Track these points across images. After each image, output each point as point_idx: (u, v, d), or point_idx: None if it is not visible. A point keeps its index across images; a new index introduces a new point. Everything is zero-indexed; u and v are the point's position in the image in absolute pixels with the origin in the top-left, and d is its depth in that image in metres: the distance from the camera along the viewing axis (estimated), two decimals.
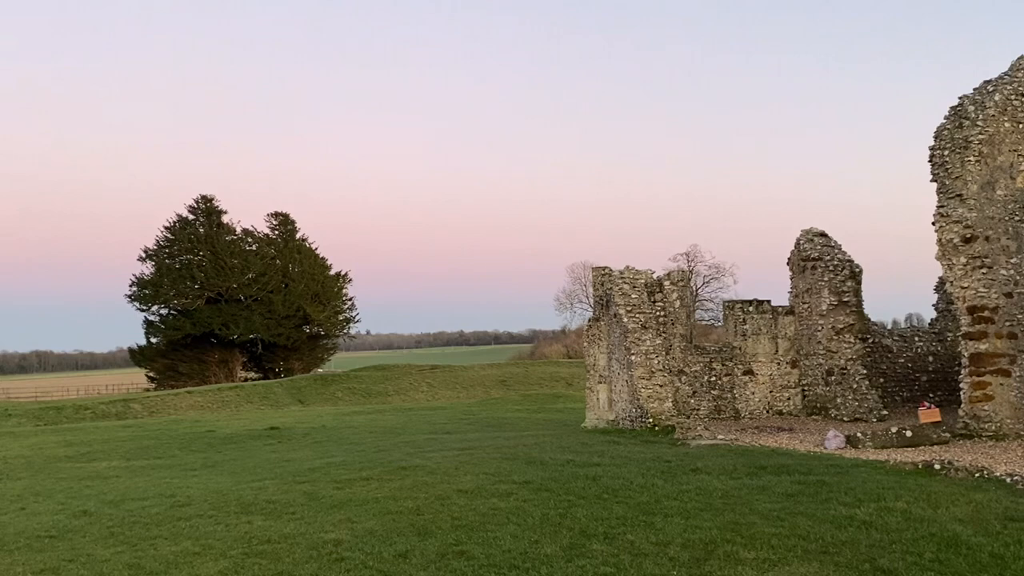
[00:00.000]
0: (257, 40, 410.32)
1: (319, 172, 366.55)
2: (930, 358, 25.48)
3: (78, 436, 30.29)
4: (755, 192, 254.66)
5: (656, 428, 21.22)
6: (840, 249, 24.68)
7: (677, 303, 25.51)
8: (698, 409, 24.84)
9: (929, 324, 27.38)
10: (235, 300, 78.70)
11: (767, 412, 25.22)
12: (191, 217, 79.77)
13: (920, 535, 8.88)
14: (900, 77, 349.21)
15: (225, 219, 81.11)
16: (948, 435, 17.94)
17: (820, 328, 24.38)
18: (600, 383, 25.80)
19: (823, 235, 25.14)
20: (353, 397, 62.29)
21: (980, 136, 18.87)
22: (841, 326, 23.87)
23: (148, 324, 79.45)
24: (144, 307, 78.63)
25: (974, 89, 19.66)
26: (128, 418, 48.91)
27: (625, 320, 23.72)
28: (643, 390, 22.48)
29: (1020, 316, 18.44)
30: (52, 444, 27.26)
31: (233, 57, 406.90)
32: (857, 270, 24.29)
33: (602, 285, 26.33)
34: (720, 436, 19.40)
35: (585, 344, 27.07)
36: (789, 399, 25.47)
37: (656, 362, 22.96)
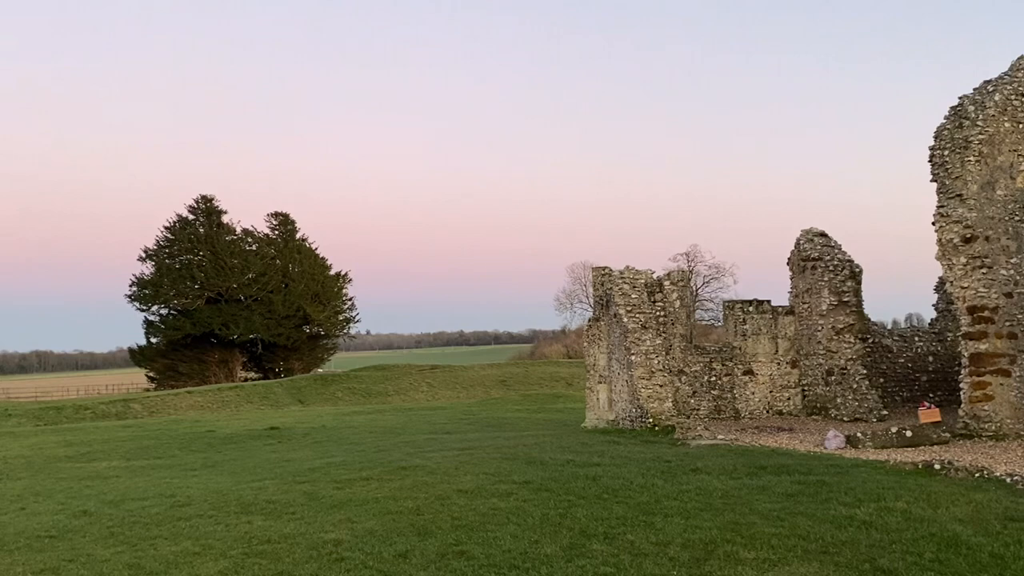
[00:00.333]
0: (257, 40, 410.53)
1: (319, 172, 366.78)
2: (930, 358, 25.47)
3: (78, 436, 30.28)
4: (755, 192, 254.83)
5: (656, 428, 21.21)
6: (840, 249, 24.67)
7: (677, 303, 25.51)
8: (698, 409, 24.84)
9: (929, 324, 27.37)
10: (235, 300, 78.71)
11: (767, 412, 25.22)
12: (191, 217, 79.80)
13: (920, 535, 8.88)
14: (900, 77, 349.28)
15: (225, 219, 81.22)
16: (948, 435, 17.94)
17: (820, 328, 24.38)
18: (600, 383, 25.79)
19: (823, 235, 25.14)
20: (353, 397, 62.28)
21: (980, 136, 18.87)
22: (841, 326, 23.86)
23: (148, 324, 79.48)
24: (144, 307, 78.66)
25: (974, 89, 19.66)
26: (128, 418, 48.91)
27: (625, 320, 23.71)
28: (643, 390, 22.47)
29: (1020, 316, 18.43)
30: (52, 444, 27.26)
31: (233, 57, 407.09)
32: (857, 270, 24.29)
33: (602, 285, 26.32)
34: (720, 436, 19.40)
35: (585, 344, 27.07)
36: (789, 399, 25.46)
37: (656, 362, 22.96)
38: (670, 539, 9.31)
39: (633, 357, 22.93)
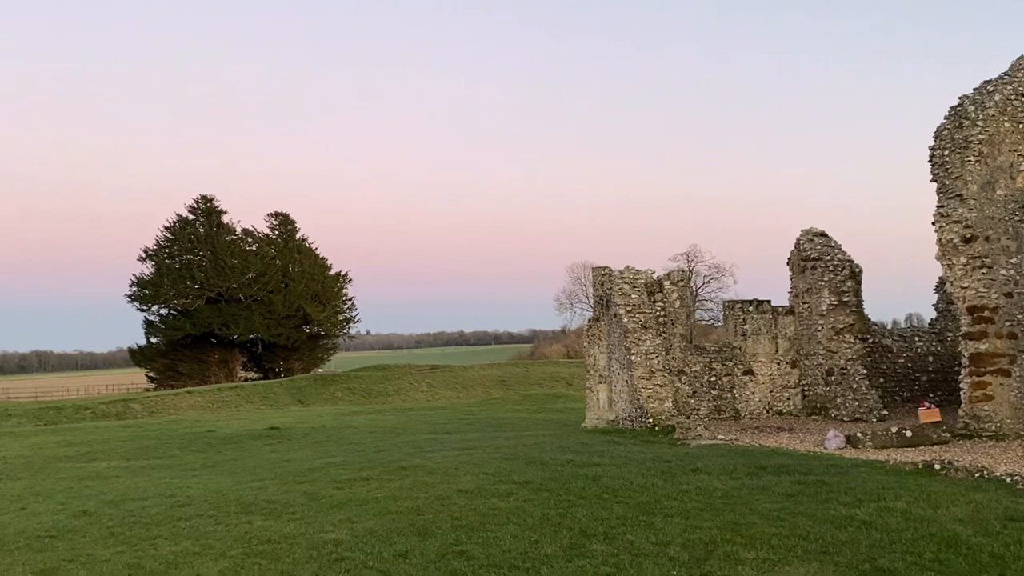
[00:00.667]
0: (257, 40, 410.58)
1: (319, 172, 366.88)
2: (930, 358, 25.46)
3: (78, 436, 30.28)
4: (755, 192, 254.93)
5: (656, 428, 21.21)
6: (840, 249, 24.66)
7: (677, 303, 25.50)
8: (698, 409, 24.83)
9: (929, 324, 27.36)
10: (235, 300, 78.69)
11: (767, 412, 25.22)
12: (191, 217, 79.77)
13: (920, 535, 8.88)
14: (900, 77, 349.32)
15: (225, 219, 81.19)
16: (948, 435, 17.93)
17: (820, 328, 24.37)
18: (600, 383, 25.79)
19: (823, 235, 25.13)
20: (353, 397, 62.26)
21: (980, 136, 18.87)
22: (841, 326, 23.85)
23: (148, 324, 79.46)
24: (144, 307, 78.64)
25: (974, 89, 19.65)
26: (128, 418, 48.91)
27: (625, 320, 23.71)
28: (643, 390, 22.46)
29: (1020, 316, 18.43)
30: (52, 444, 27.25)
31: (233, 57, 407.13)
32: (857, 270, 24.28)
33: (602, 285, 26.32)
34: (720, 436, 19.39)
35: (585, 344, 27.06)
36: (789, 399, 25.46)
37: (656, 362, 22.95)
38: (670, 539, 9.31)
39: (633, 357, 22.92)
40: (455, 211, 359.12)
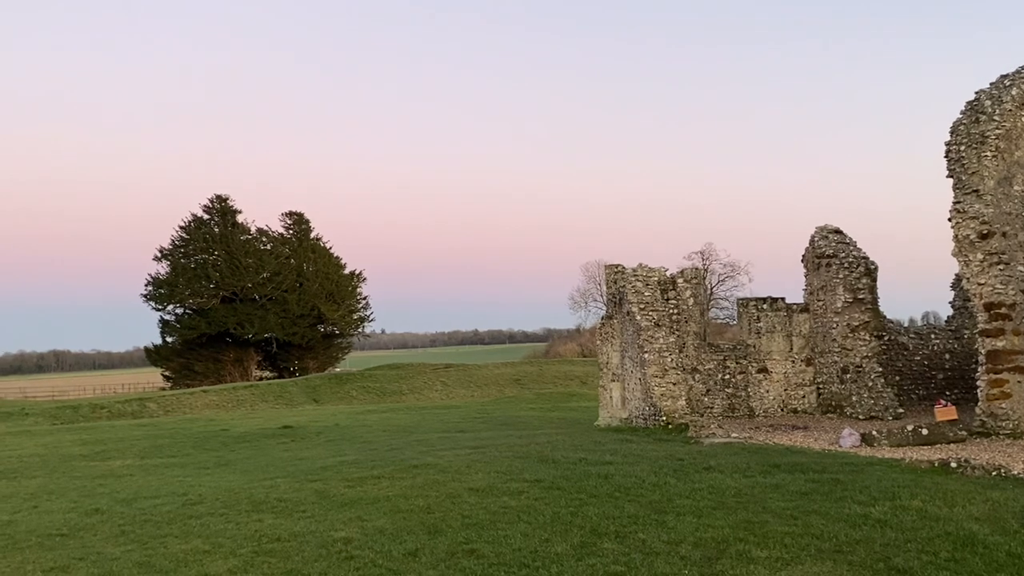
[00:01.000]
0: (273, 38, 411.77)
1: (334, 171, 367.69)
2: (947, 356, 25.21)
3: (93, 435, 30.42)
4: (771, 190, 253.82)
5: (669, 426, 21.10)
6: (855, 246, 24.46)
7: (691, 301, 25.38)
8: (712, 407, 24.69)
9: (946, 321, 27.10)
10: (250, 299, 78.93)
11: (782, 410, 25.05)
12: (206, 217, 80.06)
13: (936, 534, 8.75)
14: (919, 73, 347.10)
15: (240, 219, 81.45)
16: (965, 433, 17.73)
17: (835, 326, 24.18)
18: (613, 381, 25.69)
19: (838, 232, 24.93)
20: (368, 396, 62.31)
21: (997, 131, 18.67)
22: (856, 324, 23.66)
23: (164, 324, 79.80)
24: (159, 307, 78.93)
25: (991, 84, 19.44)
26: (144, 417, 49.13)
27: (638, 318, 23.59)
28: (656, 388, 22.35)
29: None
30: (67, 443, 27.38)
31: (248, 56, 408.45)
32: (872, 267, 24.07)
33: (615, 283, 26.22)
34: (734, 434, 19.26)
35: (598, 342, 26.97)
36: (804, 397, 25.28)
37: (669, 360, 22.83)
38: (682, 538, 9.22)
39: (646, 355, 22.81)
40: (470, 210, 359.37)
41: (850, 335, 23.75)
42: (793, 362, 25.36)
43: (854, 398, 23.41)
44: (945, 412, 19.40)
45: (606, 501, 11.39)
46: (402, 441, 22.37)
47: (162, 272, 78.66)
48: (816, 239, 25.15)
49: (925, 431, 17.27)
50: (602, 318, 27.27)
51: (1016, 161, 18.68)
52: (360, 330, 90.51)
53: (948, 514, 9.65)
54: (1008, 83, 19.02)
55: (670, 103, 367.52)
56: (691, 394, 24.35)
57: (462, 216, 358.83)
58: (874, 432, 17.44)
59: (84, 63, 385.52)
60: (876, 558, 8.04)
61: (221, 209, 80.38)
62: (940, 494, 10.78)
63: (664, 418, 21.57)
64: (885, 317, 25.14)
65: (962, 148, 19.03)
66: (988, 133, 18.69)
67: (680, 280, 25.43)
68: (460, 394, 62.92)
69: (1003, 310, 18.38)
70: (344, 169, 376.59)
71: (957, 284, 25.21)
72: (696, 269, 26.70)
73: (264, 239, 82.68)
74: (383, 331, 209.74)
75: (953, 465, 13.11)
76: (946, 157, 19.44)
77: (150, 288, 78.43)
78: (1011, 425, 17.99)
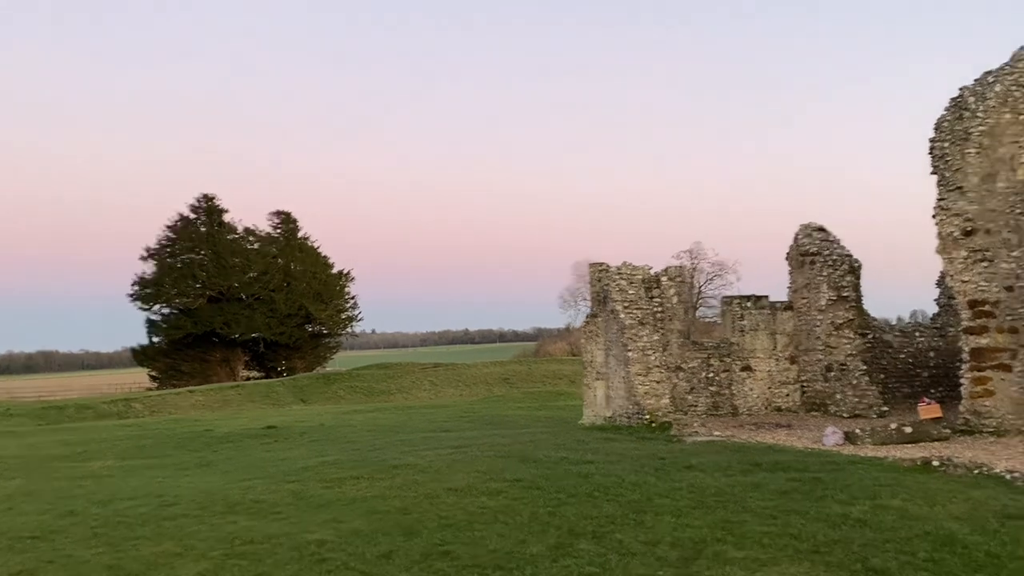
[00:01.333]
0: (260, 38, 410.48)
1: (323, 171, 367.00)
2: (931, 353, 25.19)
3: (76, 436, 30.17)
4: (759, 188, 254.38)
5: (653, 425, 21.00)
6: (839, 244, 24.43)
7: (674, 299, 25.30)
8: (696, 405, 24.61)
9: (931, 319, 27.10)
10: (237, 299, 78.58)
11: (765, 408, 24.99)
12: (193, 216, 79.65)
13: (915, 533, 8.65)
14: (903, 70, 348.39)
15: (227, 218, 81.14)
16: (949, 431, 17.69)
17: (819, 324, 24.13)
18: (598, 380, 25.58)
19: (822, 230, 24.89)
20: (355, 396, 62.12)
21: (981, 128, 18.62)
22: (840, 321, 23.62)
23: (150, 323, 79.38)
24: (146, 306, 78.51)
25: (975, 80, 19.39)
26: (129, 417, 48.84)
27: (622, 316, 23.49)
28: (640, 386, 22.26)
29: (1021, 310, 18.19)
30: (49, 444, 27.15)
31: (235, 55, 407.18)
32: (856, 265, 24.04)
33: (599, 281, 26.11)
34: (716, 433, 19.16)
35: (583, 341, 26.86)
36: (788, 395, 25.22)
37: (653, 358, 22.74)
38: (659, 538, 9.10)
39: (630, 353, 22.71)
40: (461, 210, 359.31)
41: (834, 333, 23.70)
42: (777, 360, 25.30)
43: (838, 396, 23.36)
44: (929, 410, 19.35)
45: (585, 501, 11.26)
46: (385, 441, 22.21)
47: (149, 272, 78.29)
48: (800, 237, 25.10)
49: (909, 429, 17.21)
50: (587, 317, 27.16)
51: (999, 158, 18.63)
52: (348, 330, 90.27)
53: (928, 513, 9.55)
54: (992, 80, 18.96)
55: (663, 101, 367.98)
56: (675, 392, 24.25)
57: (454, 216, 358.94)
58: (857, 430, 17.38)
59: (69, 61, 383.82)
60: (854, 558, 7.94)
61: (208, 208, 79.99)
62: (921, 493, 10.69)
63: (647, 416, 21.47)
64: (869, 315, 25.11)
65: (946, 145, 18.98)
66: (972, 130, 18.65)
67: (664, 278, 25.33)
68: (448, 393, 62.77)
69: (987, 307, 18.34)
70: (334, 169, 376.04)
71: (942, 281, 25.20)
72: (680, 267, 26.60)
73: (251, 238, 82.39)
74: (373, 331, 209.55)
75: (935, 464, 13.02)
76: (930, 154, 19.39)
77: (137, 288, 78.01)
78: (994, 423, 17.95)
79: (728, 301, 26.45)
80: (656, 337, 23.40)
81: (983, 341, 18.33)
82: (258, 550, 9.68)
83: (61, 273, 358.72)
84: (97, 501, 13.97)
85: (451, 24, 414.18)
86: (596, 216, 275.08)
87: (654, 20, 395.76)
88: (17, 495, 15.50)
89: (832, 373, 23.78)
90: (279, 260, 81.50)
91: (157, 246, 78.55)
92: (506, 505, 11.21)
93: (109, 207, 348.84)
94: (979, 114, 18.60)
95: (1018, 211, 18.40)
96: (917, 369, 25.17)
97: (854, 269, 23.97)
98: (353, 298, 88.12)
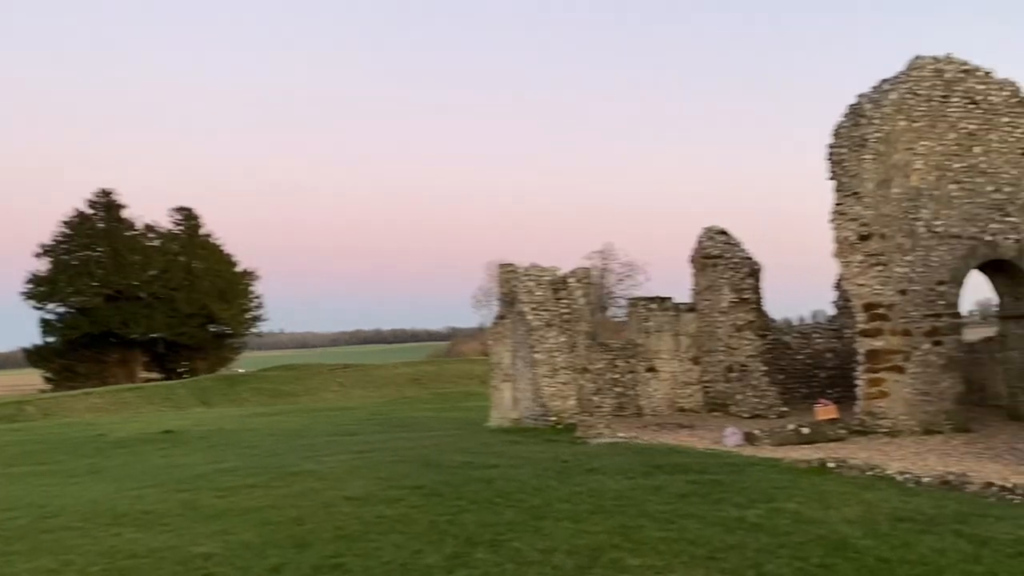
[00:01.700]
0: (160, 30, 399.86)
1: (228, 169, 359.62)
2: (828, 355, 25.80)
3: None
4: (670, 190, 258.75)
5: (559, 427, 20.99)
6: (740, 247, 24.85)
7: (582, 300, 25.34)
8: (601, 407, 24.69)
9: (828, 321, 27.77)
10: (136, 298, 76.26)
11: (669, 409, 25.23)
12: (90, 211, 77.02)
13: (809, 538, 8.69)
14: (804, 76, 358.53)
15: (126, 213, 78.73)
16: (845, 432, 18.09)
17: (721, 325, 24.49)
18: (505, 381, 25.48)
19: (724, 233, 25.27)
20: (260, 398, 60.89)
21: (876, 134, 19.09)
22: (741, 323, 24.01)
23: (44, 323, 76.49)
24: (40, 305, 75.68)
25: (872, 88, 19.90)
26: (20, 421, 46.89)
27: (529, 318, 23.44)
28: (546, 388, 22.24)
29: (914, 313, 18.72)
30: None
31: (133, 49, 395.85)
32: (757, 268, 24.48)
33: (508, 282, 25.99)
34: (621, 434, 19.20)
35: (490, 342, 26.73)
36: (691, 396, 25.52)
37: (560, 360, 22.75)
38: (556, 545, 8.95)
39: (537, 355, 22.68)
40: (375, 208, 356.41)
41: (735, 334, 24.08)
42: (680, 361, 25.58)
43: (739, 397, 23.73)
44: (826, 411, 19.76)
45: (485, 507, 11.06)
46: (287, 446, 21.69)
47: (43, 269, 75.43)
48: (703, 240, 25.44)
49: (806, 430, 17.53)
50: (495, 318, 27.03)
51: (894, 164, 19.14)
52: (253, 330, 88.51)
53: (822, 516, 9.63)
54: (888, 88, 19.47)
55: (574, 102, 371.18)
56: (581, 393, 24.28)
57: (368, 214, 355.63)
58: (757, 431, 17.64)
59: None
60: (748, 564, 7.92)
61: (106, 204, 77.53)
62: (816, 495, 10.80)
63: (554, 418, 21.46)
64: (769, 316, 25.60)
65: (843, 151, 19.41)
66: (868, 136, 19.10)
67: (571, 280, 25.36)
68: (357, 395, 61.97)
69: (881, 310, 18.81)
70: (239, 167, 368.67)
71: (839, 285, 25.82)
72: (587, 269, 26.67)
73: (151, 235, 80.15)
74: (281, 331, 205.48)
75: (831, 465, 13.22)
76: (828, 159, 19.81)
77: (31, 286, 75.08)
78: (888, 424, 18.42)
79: (634, 302, 26.66)
80: (563, 339, 23.41)
81: (878, 343, 18.79)
82: (141, 565, 9.22)
83: None
84: None
85: (363, 17, 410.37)
86: (511, 215, 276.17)
87: (565, 19, 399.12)
88: None
89: (733, 374, 24.15)
90: (181, 258, 79.45)
91: (52, 242, 75.80)
92: (404, 513, 10.94)
93: (1, 203, 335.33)
94: (875, 121, 19.07)
95: (911, 216, 18.94)
96: (815, 370, 25.75)
97: (755, 272, 24.41)
98: (258, 297, 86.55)
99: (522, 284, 24.27)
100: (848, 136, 19.36)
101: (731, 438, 17.44)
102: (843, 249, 19.17)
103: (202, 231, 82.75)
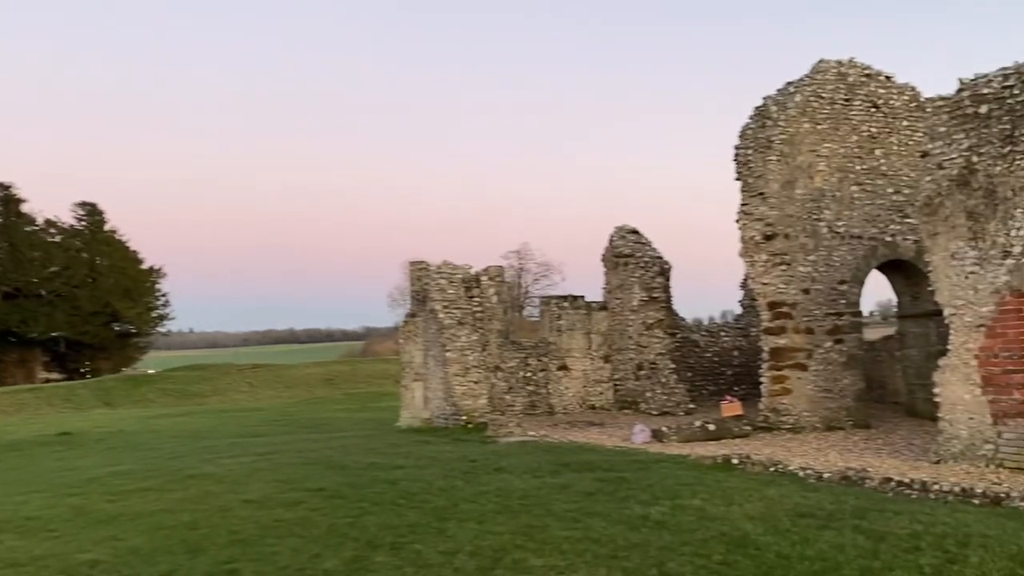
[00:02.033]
0: (51, 27, 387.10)
1: (136, 165, 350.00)
2: (735, 352, 26.22)
3: None
4: (587, 190, 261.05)
5: (469, 426, 20.85)
6: (651, 246, 25.09)
7: (494, 298, 25.24)
8: (513, 405, 24.64)
9: (735, 319, 28.23)
10: (35, 295, 73.43)
11: (580, 407, 25.33)
12: None
13: (711, 535, 8.68)
14: (715, 81, 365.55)
15: (25, 208, 75.70)
16: (749, 428, 18.34)
17: (631, 323, 24.68)
18: (416, 380, 25.21)
19: (635, 232, 25.49)
20: (166, 399, 59.23)
21: (781, 136, 19.39)
22: (651, 321, 24.23)
23: None
24: None
25: (777, 90, 20.22)
26: None
27: (441, 316, 23.24)
28: (458, 387, 22.06)
29: (817, 312, 19.08)
30: None
31: (28, 43, 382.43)
32: (667, 267, 24.75)
33: (419, 280, 25.73)
34: (531, 433, 19.15)
35: (401, 341, 26.43)
36: (602, 394, 25.65)
37: (472, 358, 22.59)
38: (459, 547, 8.77)
39: (448, 354, 22.49)
40: (289, 206, 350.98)
41: (645, 332, 24.29)
42: (592, 359, 25.70)
43: (648, 394, 23.94)
44: (731, 408, 20.02)
45: (388, 509, 10.81)
46: (188, 448, 21.07)
47: None
48: (615, 239, 25.61)
49: (712, 427, 17.72)
50: (405, 316, 26.73)
51: (798, 166, 19.47)
52: (159, 329, 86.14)
53: (725, 513, 9.64)
54: (793, 90, 19.80)
55: (496, 101, 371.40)
56: (493, 392, 24.19)
57: (283, 213, 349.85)
58: (664, 428, 17.75)
59: None
60: (650, 563, 7.86)
61: (4, 198, 74.51)
62: (720, 492, 10.84)
63: (464, 417, 21.30)
64: (678, 315, 25.90)
65: (749, 152, 19.68)
66: (773, 138, 19.40)
67: (484, 278, 25.24)
68: (267, 395, 60.74)
69: (785, 309, 19.13)
70: (146, 163, 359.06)
71: (745, 284, 26.26)
72: (500, 267, 26.55)
73: (53, 230, 77.21)
74: (191, 330, 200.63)
75: (735, 461, 13.33)
76: (735, 160, 20.06)
77: None
78: (791, 420, 18.73)
79: (546, 301, 26.69)
80: (475, 337, 23.27)
81: (781, 341, 19.11)
82: (21, 573, 8.73)
83: None
84: None
85: (270, 13, 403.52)
86: (429, 215, 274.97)
87: (480, 19, 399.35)
88: None
89: (643, 372, 24.35)
90: (83, 254, 76.81)
91: None
92: (304, 517, 10.62)
93: None
94: (780, 123, 19.38)
95: (814, 217, 19.29)
96: (722, 368, 26.16)
97: (664, 271, 24.67)
98: (165, 295, 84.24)
99: (434, 282, 24.05)
100: (754, 137, 19.64)
101: (639, 435, 17.51)
102: (749, 248, 19.44)
103: (107, 227, 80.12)
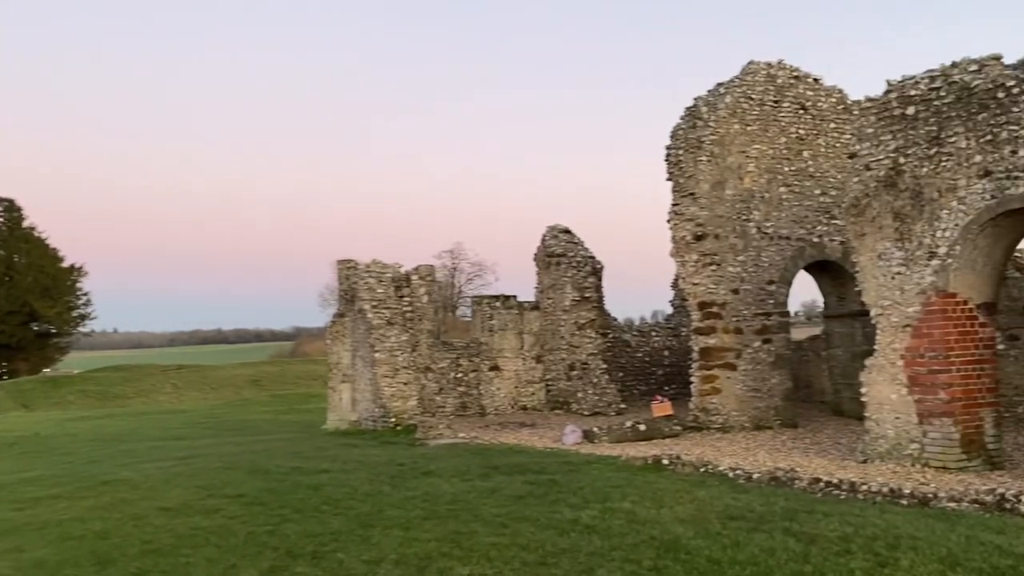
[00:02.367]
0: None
1: (56, 158, 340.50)
2: (666, 352, 26.30)
3: None
4: (519, 190, 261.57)
5: (398, 428, 20.48)
6: (583, 246, 25.03)
7: (425, 298, 24.88)
8: (444, 407, 24.32)
9: (666, 319, 28.32)
10: None
11: (512, 408, 25.14)
12: None
13: (641, 539, 8.51)
14: (646, 82, 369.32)
15: None
16: (680, 428, 18.32)
17: (563, 323, 24.57)
18: (344, 382, 24.73)
19: (567, 232, 25.40)
20: (87, 401, 57.43)
21: (712, 137, 19.43)
22: (583, 321, 24.15)
23: None
24: None
25: (708, 91, 20.26)
26: None
27: (370, 316, 22.79)
28: (387, 388, 21.67)
29: (746, 312, 19.16)
30: None
31: None
32: (599, 267, 24.70)
33: (347, 279, 25.24)
34: (461, 434, 18.86)
35: (328, 341, 25.91)
36: (533, 394, 25.49)
37: (401, 359, 22.21)
38: (384, 555, 8.46)
39: (377, 354, 22.07)
40: (217, 206, 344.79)
41: (577, 332, 24.20)
42: (524, 359, 25.53)
43: (580, 394, 23.85)
44: (661, 408, 20.00)
45: (311, 516, 10.45)
46: (105, 452, 20.33)
47: None
48: (547, 238, 25.48)
49: (643, 427, 17.65)
50: (333, 316, 26.21)
51: (728, 166, 19.53)
52: (80, 328, 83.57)
53: (656, 516, 9.49)
54: (723, 91, 19.86)
55: (425, 97, 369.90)
56: (423, 393, 23.82)
57: (211, 212, 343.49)
58: (595, 428, 17.63)
59: None
60: (580, 569, 7.65)
61: None
62: (650, 494, 10.70)
63: (393, 419, 20.92)
64: (610, 315, 25.87)
65: (680, 152, 19.68)
66: (704, 139, 19.42)
67: (415, 277, 24.86)
68: (192, 397, 59.29)
69: (715, 309, 19.17)
70: (69, 157, 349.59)
71: (676, 284, 26.33)
72: (430, 266, 26.19)
73: None
74: (115, 330, 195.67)
75: (665, 462, 13.22)
76: (667, 160, 20.05)
77: None
78: (721, 420, 18.78)
79: (478, 301, 26.44)
80: (405, 337, 22.88)
81: (711, 341, 19.15)
82: None
83: None
84: None
85: (193, 13, 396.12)
86: (361, 215, 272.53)
87: (405, 18, 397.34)
88: None
89: (575, 372, 24.25)
90: (0, 252, 74.15)
91: None
92: (222, 525, 10.19)
93: None
94: (711, 124, 19.41)
95: (744, 217, 19.37)
96: (653, 368, 26.20)
97: (596, 271, 24.62)
98: (86, 294, 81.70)
99: (363, 281, 23.58)
100: (685, 138, 19.65)
101: (570, 436, 17.36)
102: (679, 248, 19.44)
103: (25, 224, 77.43)
